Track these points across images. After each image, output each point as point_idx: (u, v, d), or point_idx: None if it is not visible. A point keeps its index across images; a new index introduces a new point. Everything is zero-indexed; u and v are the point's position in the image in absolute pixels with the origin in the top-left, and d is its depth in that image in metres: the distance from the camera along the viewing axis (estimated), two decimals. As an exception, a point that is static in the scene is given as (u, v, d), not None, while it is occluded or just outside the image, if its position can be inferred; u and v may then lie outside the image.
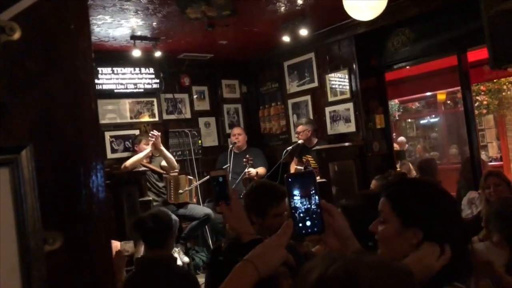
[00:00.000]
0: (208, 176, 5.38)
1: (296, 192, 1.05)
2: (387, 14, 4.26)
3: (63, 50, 0.50)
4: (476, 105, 9.33)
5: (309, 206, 1.04)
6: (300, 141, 5.31)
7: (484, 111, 9.53)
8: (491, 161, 10.04)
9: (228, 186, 1.48)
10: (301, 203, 1.04)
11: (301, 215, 1.04)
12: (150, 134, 5.04)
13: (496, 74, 7.03)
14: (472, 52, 4.77)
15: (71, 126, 0.51)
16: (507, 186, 3.39)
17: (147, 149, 5.05)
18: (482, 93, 9.32)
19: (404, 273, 0.77)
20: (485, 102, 9.35)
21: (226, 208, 1.44)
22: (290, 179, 1.06)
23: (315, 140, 5.30)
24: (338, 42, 5.36)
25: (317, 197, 1.04)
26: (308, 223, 1.04)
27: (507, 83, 9.08)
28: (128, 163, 5.00)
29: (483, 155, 10.11)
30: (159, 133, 5.08)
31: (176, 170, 5.26)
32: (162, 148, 5.13)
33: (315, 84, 5.68)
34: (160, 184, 5.18)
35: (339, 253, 0.82)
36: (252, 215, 2.34)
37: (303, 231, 1.04)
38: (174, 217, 4.79)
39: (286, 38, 5.00)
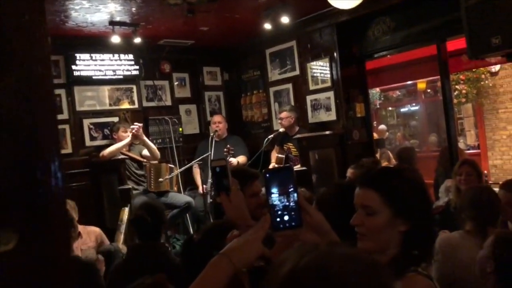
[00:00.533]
0: (188, 164, 5.37)
1: (274, 187, 1.05)
2: (368, 3, 4.27)
3: (16, 42, 0.48)
4: (455, 94, 9.46)
5: (287, 201, 1.04)
6: (281, 129, 5.31)
7: (463, 100, 9.67)
8: (468, 149, 10.22)
9: (228, 176, 1.44)
10: (279, 198, 1.04)
11: (279, 210, 1.04)
12: (131, 128, 4.97)
13: (474, 64, 7.10)
14: (451, 42, 4.80)
15: (26, 120, 0.49)
16: (477, 177, 3.44)
17: (127, 139, 4.99)
18: (461, 82, 9.44)
19: (375, 265, 0.78)
20: (464, 91, 9.48)
21: (226, 199, 1.40)
22: (268, 175, 1.06)
23: (296, 128, 5.31)
24: (319, 30, 5.35)
25: (295, 192, 1.05)
26: (286, 217, 1.04)
27: (485, 72, 9.21)
28: (106, 152, 4.93)
29: (461, 143, 10.30)
30: (141, 124, 5.02)
31: (157, 159, 5.23)
32: (145, 138, 5.09)
33: (297, 72, 5.67)
34: (140, 173, 5.14)
35: (311, 246, 0.81)
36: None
37: (281, 226, 1.04)
38: (160, 203, 4.78)
39: (267, 26, 4.96)
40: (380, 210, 1.32)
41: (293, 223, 1.04)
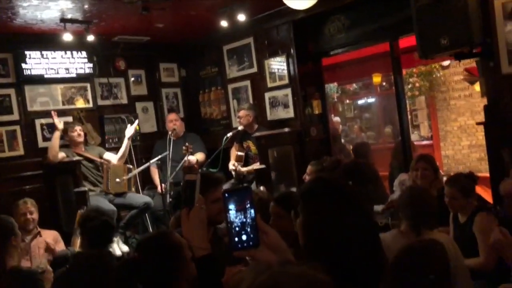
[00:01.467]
0: (146, 164, 5.29)
1: (232, 206, 1.05)
2: (324, 1, 4.32)
3: None
4: (409, 87, 9.75)
5: (244, 220, 1.05)
6: (240, 127, 5.32)
7: (417, 93, 9.98)
8: (422, 140, 10.58)
9: (196, 191, 1.41)
10: (237, 217, 1.05)
11: (237, 229, 1.05)
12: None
13: (426, 60, 7.33)
14: (404, 39, 4.93)
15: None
16: (433, 172, 3.56)
17: (56, 133, 4.78)
18: (415, 75, 9.74)
19: (326, 283, 0.80)
20: (417, 84, 9.78)
21: (185, 215, 1.37)
22: (226, 194, 1.06)
23: (255, 126, 5.32)
24: (276, 27, 5.37)
25: (252, 212, 1.05)
26: (244, 237, 1.05)
27: (437, 66, 9.53)
28: (49, 154, 4.75)
29: (415, 135, 10.64)
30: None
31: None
32: (129, 142, 5.08)
33: (254, 69, 5.68)
34: (97, 173, 5.02)
35: (265, 266, 0.84)
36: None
37: (239, 245, 1.05)
38: (111, 207, 4.69)
39: (224, 23, 4.93)
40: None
41: (250, 243, 1.05)
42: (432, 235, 2.54)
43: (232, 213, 1.05)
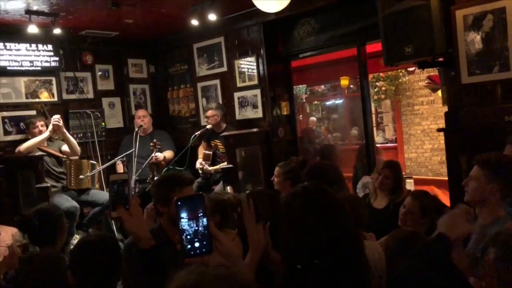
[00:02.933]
0: (112, 161, 5.22)
1: (184, 214, 1.07)
2: (294, 4, 4.36)
3: None
4: (375, 90, 9.98)
5: (197, 228, 1.07)
6: (208, 126, 5.31)
7: (382, 96, 10.22)
8: (387, 143, 10.85)
9: (129, 190, 1.48)
10: (189, 225, 1.07)
11: (190, 236, 1.07)
12: (52, 120, 4.74)
13: (391, 67, 7.53)
14: (371, 44, 5.04)
15: None
16: (394, 181, 3.44)
17: (46, 133, 4.75)
18: (381, 79, 9.97)
19: (247, 285, 0.86)
20: (383, 88, 10.02)
21: (126, 212, 1.45)
22: (179, 202, 1.07)
23: (224, 125, 5.33)
24: (247, 28, 5.39)
25: (205, 219, 1.07)
26: (196, 244, 1.07)
27: (403, 71, 9.78)
28: (23, 147, 4.67)
29: (380, 137, 10.90)
30: (59, 116, 4.81)
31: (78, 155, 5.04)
32: (65, 132, 4.87)
33: (224, 68, 5.68)
34: (59, 169, 4.92)
35: (199, 267, 0.89)
36: (158, 206, 2.34)
37: (192, 252, 1.07)
38: (74, 204, 4.61)
39: (194, 22, 4.92)
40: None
41: (204, 250, 1.07)
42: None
43: (185, 221, 1.06)
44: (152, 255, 1.54)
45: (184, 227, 1.06)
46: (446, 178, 4.23)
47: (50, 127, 4.76)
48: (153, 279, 1.53)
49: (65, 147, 4.95)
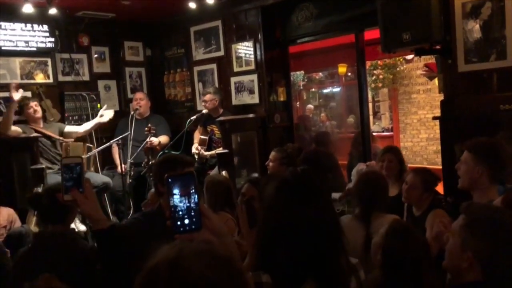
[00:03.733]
0: (107, 143, 5.21)
1: (176, 191, 1.07)
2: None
3: None
4: (373, 78, 9.95)
5: (188, 205, 1.08)
6: (205, 111, 5.29)
7: (380, 84, 10.20)
8: (383, 131, 10.85)
9: (83, 174, 1.52)
10: (180, 201, 1.07)
11: (180, 213, 1.08)
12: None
13: (389, 54, 7.51)
14: (369, 31, 5.02)
15: None
16: (398, 163, 3.62)
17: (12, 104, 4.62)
18: (379, 67, 9.94)
19: (226, 259, 0.87)
20: (381, 76, 9.99)
21: (81, 195, 1.50)
22: (170, 179, 1.08)
23: (220, 110, 5.31)
24: (245, 12, 5.34)
25: (196, 196, 1.08)
26: (186, 221, 1.08)
27: (401, 60, 9.75)
28: (1, 127, 4.59)
29: (376, 126, 10.90)
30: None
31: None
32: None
33: (221, 52, 5.64)
34: (55, 151, 4.90)
35: (181, 243, 0.92)
36: (159, 186, 2.38)
37: (181, 229, 1.08)
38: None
39: (192, 5, 4.87)
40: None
41: (193, 226, 1.08)
42: (384, 218, 2.65)
43: (176, 197, 1.08)
44: (110, 234, 1.59)
45: (176, 204, 1.07)
46: (438, 167, 4.27)
47: (15, 97, 4.57)
48: (111, 258, 1.56)
49: (68, 128, 4.99)
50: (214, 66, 5.75)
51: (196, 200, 1.08)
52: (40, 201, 2.66)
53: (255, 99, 5.33)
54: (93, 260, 2.52)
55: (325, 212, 1.37)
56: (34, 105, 4.81)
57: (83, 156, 4.88)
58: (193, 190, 1.08)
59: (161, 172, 2.35)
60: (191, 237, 1.07)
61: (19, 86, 4.72)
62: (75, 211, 2.84)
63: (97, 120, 5.13)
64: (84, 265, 2.45)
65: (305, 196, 1.36)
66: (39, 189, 4.45)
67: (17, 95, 4.63)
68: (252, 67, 5.32)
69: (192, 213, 1.08)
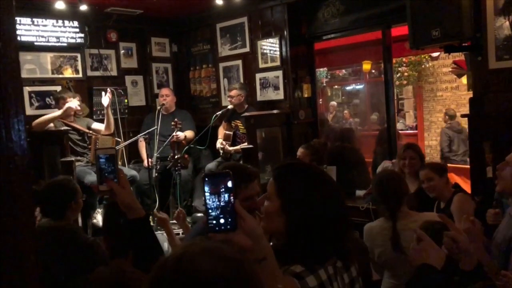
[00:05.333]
0: (134, 138, 5.31)
1: (212, 189, 1.09)
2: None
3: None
4: (397, 75, 9.84)
5: (223, 204, 1.08)
6: (230, 106, 5.34)
7: (405, 82, 10.08)
8: (407, 129, 10.73)
9: (117, 164, 1.53)
10: (216, 200, 1.09)
11: (216, 212, 1.09)
12: (71, 104, 4.78)
13: (416, 51, 7.42)
14: (396, 28, 4.98)
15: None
16: (420, 160, 3.66)
17: (58, 112, 4.77)
18: (404, 64, 9.82)
19: (232, 259, 0.88)
20: (406, 74, 9.87)
21: (117, 185, 1.49)
22: (206, 178, 1.09)
23: (246, 106, 5.35)
24: (270, 8, 5.36)
25: (227, 195, 1.09)
26: (222, 220, 1.08)
27: (427, 57, 9.62)
28: (35, 122, 4.71)
29: (401, 124, 10.78)
30: (78, 103, 4.89)
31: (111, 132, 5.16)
32: (109, 111, 5.02)
33: (247, 49, 5.67)
34: (83, 145, 5.02)
35: (196, 241, 0.93)
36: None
37: (216, 228, 1.09)
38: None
39: (218, 1, 4.92)
40: (273, 198, 1.44)
41: (228, 227, 1.08)
42: (410, 215, 2.65)
43: (211, 196, 1.08)
44: (146, 223, 1.59)
45: (210, 203, 1.08)
46: (466, 166, 4.22)
47: (64, 107, 4.75)
48: (147, 247, 1.57)
49: (95, 125, 5.05)
50: (239, 62, 5.79)
51: (227, 199, 1.08)
52: (41, 195, 2.66)
53: (280, 95, 5.34)
54: (94, 253, 2.53)
55: (338, 195, 1.47)
56: (70, 100, 4.86)
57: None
58: (230, 190, 1.09)
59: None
60: (225, 237, 1.07)
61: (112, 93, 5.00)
62: (79, 207, 2.82)
63: (105, 110, 5.09)
64: (82, 259, 2.46)
65: (318, 181, 1.45)
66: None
67: (74, 103, 4.78)
68: (277, 63, 5.33)
69: (227, 213, 1.08)
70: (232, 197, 1.09)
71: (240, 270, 0.87)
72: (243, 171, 2.21)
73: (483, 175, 3.52)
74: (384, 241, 2.63)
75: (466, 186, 4.63)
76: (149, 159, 5.11)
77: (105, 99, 4.99)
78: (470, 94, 3.85)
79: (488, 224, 2.55)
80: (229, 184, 1.09)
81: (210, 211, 1.09)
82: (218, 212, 1.08)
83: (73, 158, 4.75)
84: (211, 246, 0.90)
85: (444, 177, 3.16)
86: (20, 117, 0.57)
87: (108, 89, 5.10)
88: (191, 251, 0.87)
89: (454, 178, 6.33)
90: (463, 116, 3.95)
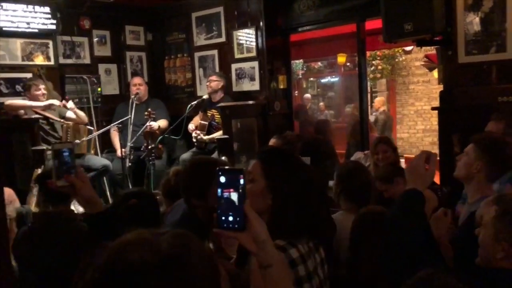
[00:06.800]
0: (107, 127, 5.24)
1: (224, 186, 1.07)
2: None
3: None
4: (371, 69, 9.98)
5: (234, 201, 1.07)
6: (205, 96, 5.33)
7: (379, 75, 10.24)
8: (380, 122, 10.89)
9: (74, 159, 1.49)
10: (226, 196, 1.07)
11: (226, 209, 1.07)
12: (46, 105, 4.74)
13: (390, 44, 7.54)
14: (370, 21, 5.04)
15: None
16: (393, 152, 3.67)
17: (39, 103, 4.70)
18: (378, 58, 9.97)
19: (162, 250, 0.85)
20: (379, 67, 10.03)
21: (78, 180, 1.45)
22: (220, 172, 1.08)
23: (221, 95, 5.34)
24: (247, -1, 5.35)
25: (237, 194, 1.07)
26: (230, 218, 1.07)
27: (400, 51, 9.78)
28: (8, 102, 4.66)
29: (373, 116, 10.96)
30: (60, 103, 4.86)
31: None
32: (77, 110, 4.97)
33: (223, 39, 5.65)
34: (55, 134, 4.92)
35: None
36: (192, 199, 2.13)
37: (225, 225, 1.07)
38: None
39: (195, -10, 4.87)
40: (258, 179, 1.55)
41: (236, 226, 1.07)
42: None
43: (223, 191, 1.07)
44: (107, 216, 1.55)
45: (222, 197, 1.07)
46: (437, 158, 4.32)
47: (47, 102, 4.72)
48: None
49: (69, 114, 4.97)
50: (215, 52, 5.77)
51: (237, 197, 1.06)
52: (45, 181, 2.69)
53: (255, 86, 5.36)
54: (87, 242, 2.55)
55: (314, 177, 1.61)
56: (43, 88, 4.80)
57: (83, 139, 4.92)
58: (241, 188, 1.07)
59: (195, 185, 2.12)
60: (232, 235, 1.07)
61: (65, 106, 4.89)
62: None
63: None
64: (80, 246, 2.48)
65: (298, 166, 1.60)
66: (39, 171, 4.48)
67: (56, 102, 4.77)
68: (253, 54, 5.34)
69: (237, 211, 1.06)
70: (242, 196, 1.07)
71: (172, 261, 0.83)
72: (215, 164, 2.16)
73: (451, 167, 3.62)
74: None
75: (436, 176, 4.77)
76: (123, 149, 5.05)
77: (70, 112, 4.95)
78: (442, 88, 3.95)
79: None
80: (241, 181, 1.07)
81: (220, 206, 1.07)
82: (227, 209, 1.06)
83: (44, 147, 4.67)
84: (143, 237, 0.86)
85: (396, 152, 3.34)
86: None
87: (64, 100, 4.99)
88: (123, 241, 0.86)
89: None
90: (433, 108, 4.05)
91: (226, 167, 1.10)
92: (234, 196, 1.07)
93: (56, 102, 4.80)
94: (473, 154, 2.29)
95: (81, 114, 5.05)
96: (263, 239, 1.09)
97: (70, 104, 4.92)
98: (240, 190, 1.07)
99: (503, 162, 2.25)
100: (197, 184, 2.10)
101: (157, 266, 0.81)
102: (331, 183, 4.58)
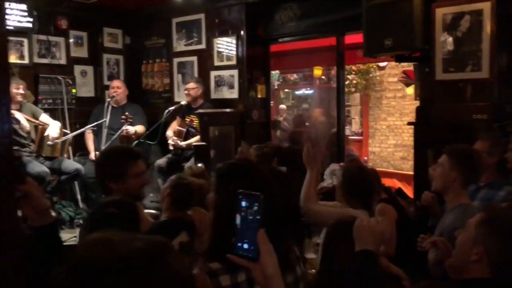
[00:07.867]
0: (82, 129, 5.13)
1: (243, 212, 1.04)
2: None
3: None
4: (346, 83, 10.13)
5: (250, 228, 1.03)
6: (183, 102, 5.29)
7: (353, 89, 10.40)
8: (353, 135, 11.07)
9: (24, 166, 1.43)
10: (246, 222, 1.04)
11: (242, 235, 1.04)
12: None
13: (368, 59, 7.69)
14: (349, 36, 5.13)
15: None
16: None
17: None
18: (353, 72, 10.14)
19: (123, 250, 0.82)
20: (354, 81, 10.19)
21: (35, 189, 1.39)
22: (240, 196, 1.05)
23: (201, 101, 5.31)
24: (228, 7, 5.37)
25: (252, 220, 1.04)
26: (245, 246, 1.04)
27: (374, 66, 9.98)
28: None
29: (346, 129, 11.11)
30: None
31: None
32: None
33: (203, 46, 5.64)
34: (25, 135, 4.77)
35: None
36: (110, 183, 2.23)
37: (239, 252, 1.04)
38: (44, 169, 4.51)
39: (177, -4, 4.86)
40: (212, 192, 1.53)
41: (250, 255, 1.03)
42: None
43: (242, 217, 1.04)
44: (54, 229, 1.48)
45: (240, 223, 1.04)
46: (408, 173, 4.41)
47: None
48: (51, 256, 1.42)
49: (43, 117, 4.85)
50: (194, 58, 5.75)
51: (251, 224, 1.03)
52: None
53: (234, 94, 5.36)
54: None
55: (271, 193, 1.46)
56: (22, 87, 4.66)
57: (57, 141, 4.79)
58: (253, 213, 1.03)
59: (113, 167, 2.24)
60: (245, 264, 1.04)
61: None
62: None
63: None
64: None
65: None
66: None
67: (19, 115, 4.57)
68: (233, 62, 5.35)
69: (252, 240, 1.03)
70: (258, 223, 1.03)
71: (132, 261, 0.80)
72: (128, 149, 2.53)
73: (426, 181, 3.70)
74: None
75: (407, 190, 4.86)
76: (96, 152, 4.95)
77: (44, 115, 4.92)
78: (414, 104, 4.04)
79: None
80: (259, 208, 1.03)
81: (237, 231, 1.04)
82: (244, 235, 1.03)
83: (15, 148, 4.52)
84: (104, 237, 0.84)
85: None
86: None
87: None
88: (86, 241, 0.86)
89: (396, 183, 6.62)
90: (409, 123, 4.13)
91: (245, 191, 1.04)
92: (252, 223, 1.03)
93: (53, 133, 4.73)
94: (447, 164, 2.44)
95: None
96: (269, 273, 1.03)
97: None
98: (252, 215, 1.03)
99: (474, 169, 2.44)
100: (114, 167, 2.24)
101: (117, 266, 0.78)
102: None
